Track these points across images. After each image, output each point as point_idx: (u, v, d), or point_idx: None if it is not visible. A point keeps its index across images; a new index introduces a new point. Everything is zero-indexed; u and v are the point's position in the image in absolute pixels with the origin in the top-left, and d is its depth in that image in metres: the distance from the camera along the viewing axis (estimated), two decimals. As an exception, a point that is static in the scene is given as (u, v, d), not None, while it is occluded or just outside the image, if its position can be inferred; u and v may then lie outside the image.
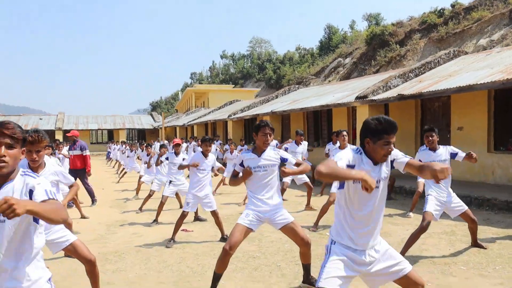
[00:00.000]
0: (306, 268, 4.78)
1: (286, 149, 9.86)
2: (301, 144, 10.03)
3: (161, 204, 8.43)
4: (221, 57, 77.75)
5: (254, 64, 63.46)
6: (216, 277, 4.51)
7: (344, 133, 7.90)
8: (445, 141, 12.53)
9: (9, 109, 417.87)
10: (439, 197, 5.78)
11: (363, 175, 2.64)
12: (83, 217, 9.22)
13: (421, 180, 8.64)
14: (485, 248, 6.03)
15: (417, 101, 12.90)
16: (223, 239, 7.00)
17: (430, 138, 6.09)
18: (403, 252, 5.53)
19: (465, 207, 5.89)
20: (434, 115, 12.83)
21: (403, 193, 10.94)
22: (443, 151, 6.13)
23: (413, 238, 5.59)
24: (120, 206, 10.92)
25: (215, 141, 17.88)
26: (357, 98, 12.37)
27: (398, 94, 11.09)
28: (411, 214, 8.58)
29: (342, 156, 2.89)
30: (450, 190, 5.91)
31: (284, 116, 19.00)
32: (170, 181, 8.57)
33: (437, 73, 12.66)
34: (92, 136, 44.70)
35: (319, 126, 17.78)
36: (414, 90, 10.99)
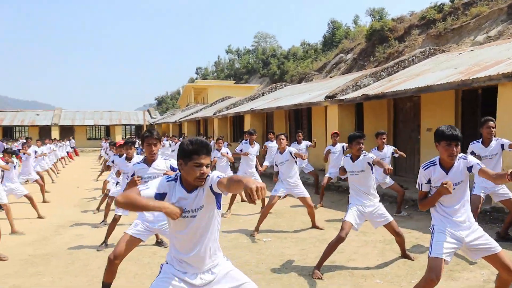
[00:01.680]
0: None
1: (241, 150, 9.79)
2: (254, 145, 9.89)
3: (108, 205, 8.36)
4: (227, 52, 77.23)
5: (258, 59, 62.98)
6: (104, 286, 4.50)
7: (282, 136, 7.66)
8: (416, 142, 12.36)
9: (18, 103, 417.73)
10: (361, 207, 5.62)
11: (164, 206, 2.68)
12: (39, 216, 9.25)
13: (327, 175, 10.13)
14: (413, 260, 5.82)
15: (389, 101, 12.69)
16: (158, 243, 6.96)
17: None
18: (319, 264, 5.36)
19: (390, 219, 5.65)
20: (406, 115, 12.62)
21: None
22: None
23: (330, 248, 5.39)
24: (83, 206, 10.94)
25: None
26: (327, 97, 12.19)
27: (363, 94, 10.91)
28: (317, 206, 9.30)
29: (152, 185, 2.84)
30: (376, 200, 5.74)
31: (269, 114, 18.81)
32: (117, 182, 8.53)
33: (408, 72, 12.42)
34: (89, 132, 44.52)
35: (300, 126, 17.46)
36: (380, 90, 10.80)
